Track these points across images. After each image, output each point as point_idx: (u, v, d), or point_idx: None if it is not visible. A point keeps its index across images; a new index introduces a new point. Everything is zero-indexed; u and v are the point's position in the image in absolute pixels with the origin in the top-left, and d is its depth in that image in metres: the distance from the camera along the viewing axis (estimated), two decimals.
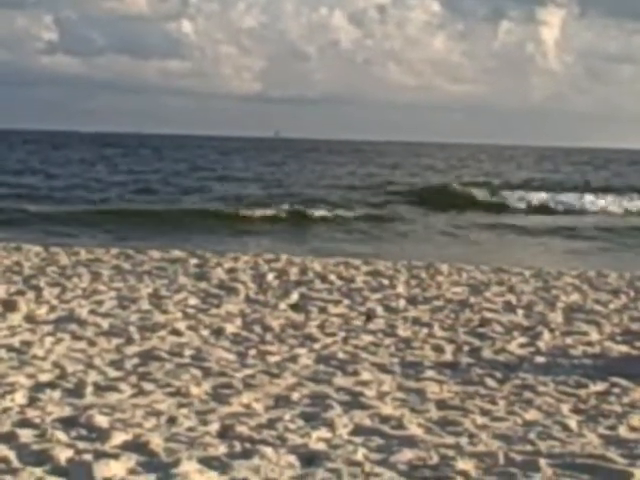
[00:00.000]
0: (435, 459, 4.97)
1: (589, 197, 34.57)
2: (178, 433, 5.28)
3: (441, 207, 30.42)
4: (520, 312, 9.91)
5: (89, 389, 6.20)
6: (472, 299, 10.60)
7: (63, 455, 4.79)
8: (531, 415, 5.98)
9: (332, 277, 11.92)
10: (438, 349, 7.90)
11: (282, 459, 4.87)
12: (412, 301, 10.35)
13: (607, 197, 34.80)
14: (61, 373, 6.62)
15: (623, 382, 6.91)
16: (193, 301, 9.83)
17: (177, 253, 14.09)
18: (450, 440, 5.34)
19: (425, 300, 10.44)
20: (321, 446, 5.14)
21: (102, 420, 5.42)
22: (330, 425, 5.54)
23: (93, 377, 6.54)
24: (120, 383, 6.40)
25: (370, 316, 9.31)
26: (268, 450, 4.96)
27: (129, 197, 31.06)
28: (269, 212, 25.49)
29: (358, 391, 6.39)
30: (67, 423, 5.39)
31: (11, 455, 4.80)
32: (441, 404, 6.18)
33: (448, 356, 7.70)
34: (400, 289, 11.21)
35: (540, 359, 7.66)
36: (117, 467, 4.64)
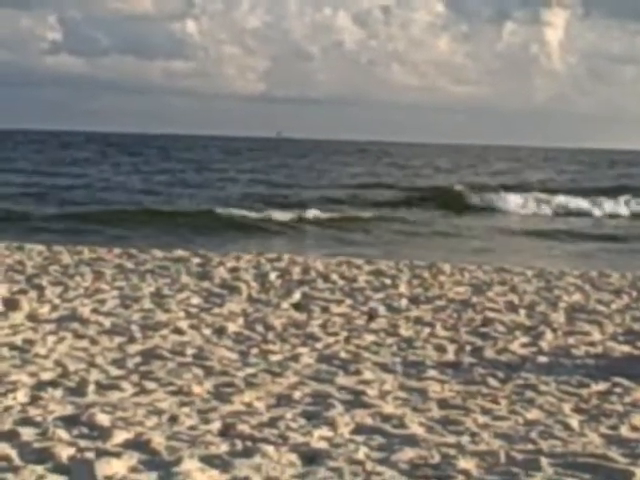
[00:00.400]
0: (436, 458, 4.97)
1: (600, 199, 34.18)
2: (180, 432, 5.29)
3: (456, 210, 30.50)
4: (522, 312, 9.90)
5: (91, 388, 6.20)
6: (474, 299, 10.59)
7: (65, 453, 4.80)
8: (533, 414, 5.98)
9: (334, 276, 11.93)
10: (440, 349, 7.90)
11: (283, 458, 4.88)
12: (414, 301, 10.35)
13: (618, 199, 34.38)
14: (63, 372, 6.62)
15: (625, 382, 6.91)
16: (195, 300, 9.83)
17: (180, 252, 14.09)
18: (451, 439, 5.34)
19: (427, 300, 10.44)
20: (322, 445, 5.14)
21: (104, 418, 5.42)
22: (332, 424, 5.54)
23: (95, 376, 6.55)
24: (122, 382, 6.40)
25: (372, 315, 9.31)
26: (269, 449, 4.97)
27: (134, 197, 31.08)
28: (278, 214, 25.39)
29: (360, 390, 6.40)
30: (69, 421, 5.40)
31: (13, 453, 4.81)
32: (443, 403, 6.18)
33: (450, 356, 7.70)
34: (402, 289, 11.21)
35: (542, 359, 7.66)
36: (119, 465, 4.65)
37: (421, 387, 6.57)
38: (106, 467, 4.59)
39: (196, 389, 6.23)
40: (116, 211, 25.14)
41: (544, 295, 11.19)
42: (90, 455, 4.77)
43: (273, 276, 11.74)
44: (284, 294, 10.41)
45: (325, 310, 9.52)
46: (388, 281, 11.80)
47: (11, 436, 5.09)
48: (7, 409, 5.64)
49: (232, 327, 8.44)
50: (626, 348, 8.22)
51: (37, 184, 34.27)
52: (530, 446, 5.27)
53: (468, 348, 7.98)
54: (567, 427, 5.71)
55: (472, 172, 55.76)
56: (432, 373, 7.02)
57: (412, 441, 5.26)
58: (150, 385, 6.35)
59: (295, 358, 7.36)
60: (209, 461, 4.79)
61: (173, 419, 5.53)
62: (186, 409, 5.78)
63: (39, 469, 4.61)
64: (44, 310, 8.96)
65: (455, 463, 4.89)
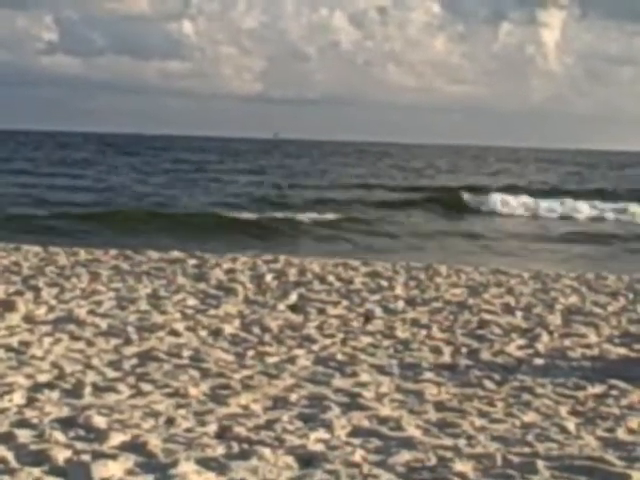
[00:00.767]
0: (433, 460, 4.98)
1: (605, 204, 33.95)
2: (176, 434, 5.28)
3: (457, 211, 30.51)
4: (519, 314, 9.91)
5: (87, 389, 6.20)
6: (471, 301, 10.60)
7: (61, 455, 4.79)
8: (529, 417, 5.98)
9: (331, 278, 11.93)
10: (436, 351, 7.90)
11: (280, 460, 4.88)
12: (411, 302, 10.35)
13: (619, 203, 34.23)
14: (59, 373, 6.62)
15: (621, 384, 6.91)
16: (192, 302, 9.83)
17: (176, 254, 14.08)
18: (448, 442, 5.34)
19: (424, 302, 10.44)
20: (319, 447, 5.14)
21: (100, 421, 5.42)
22: (328, 426, 5.54)
23: (91, 377, 6.54)
24: (118, 384, 6.40)
25: (369, 317, 9.31)
26: (266, 451, 4.97)
27: (132, 198, 31.05)
28: (279, 215, 25.38)
29: (356, 392, 6.39)
30: (65, 423, 5.40)
31: (9, 455, 4.81)
32: (439, 406, 6.18)
33: (446, 358, 7.70)
34: (399, 290, 11.21)
35: (538, 361, 7.66)
36: (115, 467, 4.65)
37: (417, 389, 6.57)
38: (102, 469, 4.59)
39: (192, 391, 6.23)
40: (114, 212, 25.12)
41: (540, 297, 11.20)
42: (86, 457, 4.77)
43: (269, 278, 11.74)
44: (280, 296, 10.41)
45: (321, 312, 9.52)
46: (384, 283, 11.80)
47: (7, 438, 5.08)
48: (3, 411, 5.63)
49: (228, 329, 8.44)
50: (622, 350, 8.22)
51: (34, 184, 34.25)
52: (526, 449, 5.27)
53: (464, 350, 7.98)
54: (563, 430, 5.71)
55: (472, 173, 55.90)
56: (428, 375, 7.02)
57: (409, 444, 5.26)
58: (146, 387, 6.34)
59: (291, 360, 7.36)
60: (205, 463, 4.79)
61: (169, 421, 5.53)
62: (182, 411, 5.77)
63: (36, 471, 4.61)
64: (40, 311, 8.95)
65: (452, 466, 4.89)
